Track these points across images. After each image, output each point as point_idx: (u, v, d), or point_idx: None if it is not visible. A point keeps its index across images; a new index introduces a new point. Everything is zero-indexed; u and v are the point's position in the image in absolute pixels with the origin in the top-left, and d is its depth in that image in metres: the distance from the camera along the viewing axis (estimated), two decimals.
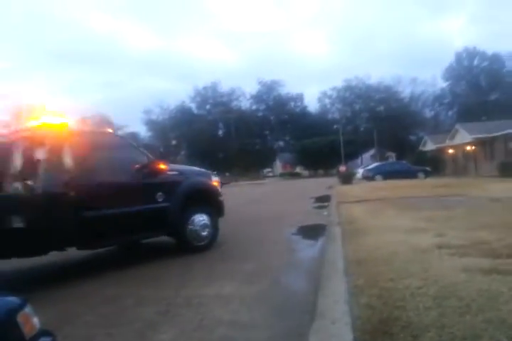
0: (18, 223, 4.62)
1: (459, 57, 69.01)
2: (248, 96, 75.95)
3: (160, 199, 6.34)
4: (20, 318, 1.92)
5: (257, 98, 75.64)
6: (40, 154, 5.44)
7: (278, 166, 74.66)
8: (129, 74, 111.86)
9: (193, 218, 6.73)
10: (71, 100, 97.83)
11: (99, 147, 5.98)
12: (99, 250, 6.78)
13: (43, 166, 5.28)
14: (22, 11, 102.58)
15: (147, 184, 6.28)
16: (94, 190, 5.57)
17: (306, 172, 67.02)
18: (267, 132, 76.87)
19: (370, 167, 35.61)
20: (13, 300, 2.05)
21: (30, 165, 5.48)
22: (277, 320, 3.55)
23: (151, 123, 71.71)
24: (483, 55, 68.14)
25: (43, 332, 2.10)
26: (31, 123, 6.00)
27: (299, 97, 75.77)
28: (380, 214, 9.38)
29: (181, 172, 7.07)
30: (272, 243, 7.57)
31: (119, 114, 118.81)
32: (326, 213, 11.67)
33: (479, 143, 33.09)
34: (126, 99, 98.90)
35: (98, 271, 5.96)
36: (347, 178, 28.59)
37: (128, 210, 5.89)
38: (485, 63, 68.30)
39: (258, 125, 71.83)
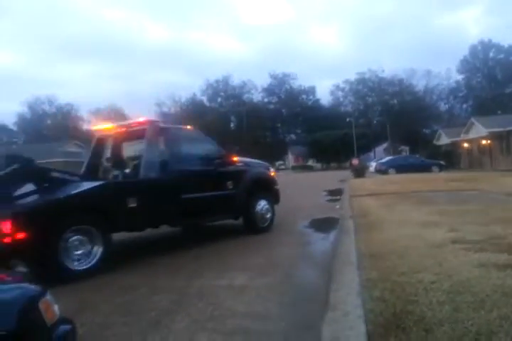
0: (132, 203, 5.76)
1: (474, 50, 67.71)
2: (260, 89, 75.73)
3: (230, 187, 7.35)
4: (41, 305, 1.98)
5: (269, 91, 75.36)
6: (140, 146, 6.83)
7: (290, 159, 74.52)
8: (142, 67, 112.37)
9: (258, 203, 7.76)
10: (85, 93, 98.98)
11: (186, 140, 7.16)
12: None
13: (146, 156, 6.46)
14: (35, 5, 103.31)
15: (221, 173, 7.29)
16: (185, 176, 6.60)
17: (318, 166, 66.79)
18: (279, 125, 76.62)
19: (383, 160, 35.34)
20: (34, 288, 2.11)
21: (133, 155, 7.16)
22: (291, 311, 3.58)
23: (163, 116, 72.01)
24: (498, 48, 66.78)
25: (63, 320, 2.16)
26: (128, 122, 7.91)
27: (311, 90, 75.30)
28: (393, 208, 9.33)
29: (246, 164, 8.08)
30: (283, 235, 7.61)
31: (132, 107, 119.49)
32: (338, 206, 11.64)
33: (495, 136, 32.56)
34: (139, 92, 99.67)
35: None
36: (360, 172, 28.41)
37: (209, 195, 6.92)
38: (501, 55, 66.91)
39: (270, 118, 71.60)
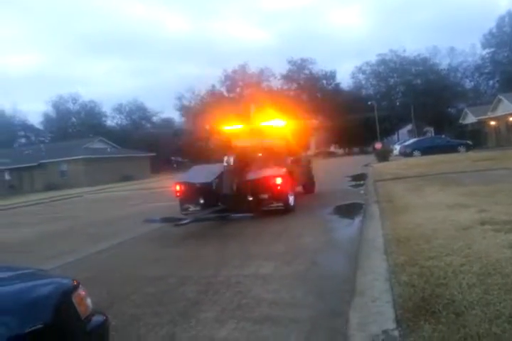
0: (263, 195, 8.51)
1: (500, 22, 64.66)
2: (279, 76, 74.95)
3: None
4: (75, 299, 2.06)
5: (288, 77, 74.46)
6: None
7: (312, 146, 74.01)
8: (164, 61, 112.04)
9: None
10: (107, 89, 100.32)
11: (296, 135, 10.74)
12: None
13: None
14: (51, 3, 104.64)
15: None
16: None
17: (340, 151, 66.01)
18: (300, 111, 75.92)
19: (407, 143, 34.62)
20: (67, 282, 2.19)
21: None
22: (318, 298, 3.60)
23: (183, 109, 72.36)
24: None
25: (96, 312, 2.24)
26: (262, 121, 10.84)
27: (332, 74, 73.89)
28: (419, 191, 9.18)
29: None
30: (310, 221, 7.60)
31: (154, 101, 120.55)
32: (362, 192, 11.52)
33: None
34: (160, 86, 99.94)
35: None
36: (383, 155, 27.95)
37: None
38: None
39: (290, 104, 70.95)
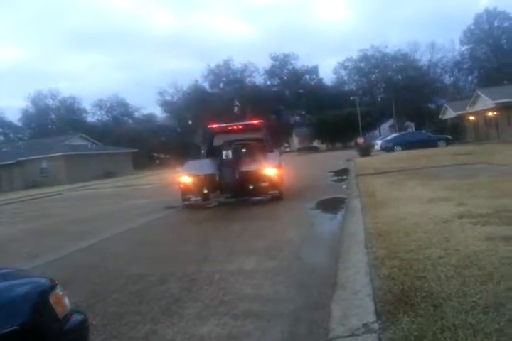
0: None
1: (478, 19, 65.76)
2: (262, 72, 74.81)
3: None
4: (52, 299, 2.02)
5: (271, 73, 74.37)
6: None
7: (295, 141, 74.16)
8: (147, 56, 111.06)
9: None
10: (88, 84, 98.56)
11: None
12: None
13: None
14: None
15: None
16: None
17: (323, 146, 66.41)
18: (283, 107, 75.95)
19: (388, 138, 35.03)
20: (44, 282, 2.15)
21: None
22: (300, 291, 3.63)
23: (166, 104, 71.67)
24: (504, 16, 64.81)
25: (74, 312, 2.21)
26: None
27: (314, 70, 74.12)
28: (400, 186, 9.31)
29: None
30: (291, 216, 7.64)
31: (136, 96, 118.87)
32: (345, 186, 11.64)
33: (502, 108, 32.01)
34: (143, 81, 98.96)
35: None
36: (365, 150, 28.24)
37: None
38: (506, 24, 65.06)
39: (273, 100, 70.91)
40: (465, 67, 68.20)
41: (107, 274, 4.94)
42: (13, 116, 72.70)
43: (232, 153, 9.87)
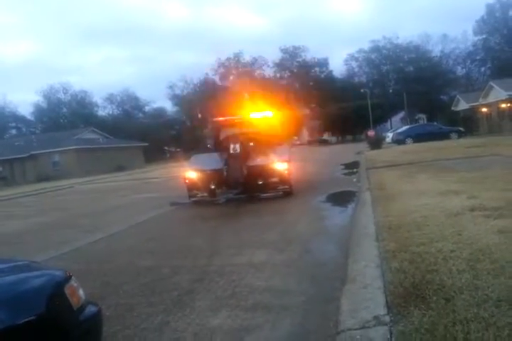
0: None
1: (491, 9, 64.39)
2: (272, 65, 74.37)
3: None
4: (67, 290, 2.06)
5: (281, 66, 73.93)
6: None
7: (305, 134, 73.91)
8: (159, 50, 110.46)
9: None
10: (100, 78, 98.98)
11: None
12: None
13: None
14: None
15: None
16: None
17: (333, 139, 66.07)
18: (292, 99, 75.56)
19: (400, 130, 34.68)
20: (59, 274, 2.19)
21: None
22: (310, 284, 3.64)
23: (176, 98, 71.71)
24: None
25: (89, 303, 2.25)
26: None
27: (324, 62, 73.49)
28: (411, 179, 9.24)
29: None
30: (302, 209, 7.65)
31: (147, 90, 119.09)
32: (355, 179, 11.58)
33: None
34: (154, 75, 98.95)
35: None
36: (376, 143, 28.02)
37: None
38: None
39: (283, 93, 70.54)
40: (478, 58, 66.96)
41: (118, 266, 5.01)
42: (26, 111, 73.44)
43: (240, 146, 9.56)
